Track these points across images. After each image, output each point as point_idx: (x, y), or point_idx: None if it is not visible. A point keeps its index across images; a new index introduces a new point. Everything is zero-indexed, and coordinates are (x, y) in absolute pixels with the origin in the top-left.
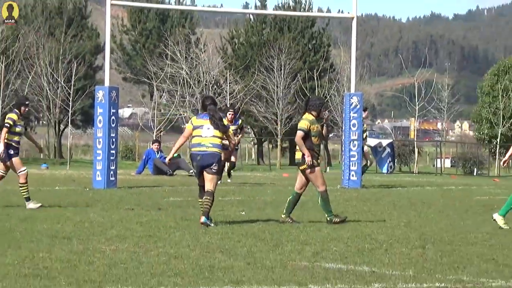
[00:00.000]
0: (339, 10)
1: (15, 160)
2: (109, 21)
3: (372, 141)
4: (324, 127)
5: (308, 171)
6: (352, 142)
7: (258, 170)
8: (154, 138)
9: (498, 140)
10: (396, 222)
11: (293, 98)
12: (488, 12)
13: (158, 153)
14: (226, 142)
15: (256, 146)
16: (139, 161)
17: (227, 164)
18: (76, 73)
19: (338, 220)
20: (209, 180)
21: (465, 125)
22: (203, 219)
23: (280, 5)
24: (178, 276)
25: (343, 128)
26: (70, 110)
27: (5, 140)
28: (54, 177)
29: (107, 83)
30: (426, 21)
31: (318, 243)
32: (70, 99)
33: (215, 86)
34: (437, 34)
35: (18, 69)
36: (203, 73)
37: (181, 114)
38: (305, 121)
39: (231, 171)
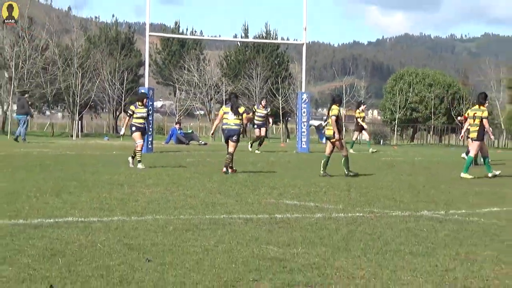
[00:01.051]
0: (294, 39)
1: (135, 134)
2: (148, 46)
3: (316, 122)
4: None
5: (337, 143)
6: (302, 123)
7: (244, 141)
8: (177, 120)
9: (396, 122)
10: (331, 174)
11: (265, 95)
12: (390, 40)
13: (179, 130)
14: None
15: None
16: (167, 135)
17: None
18: (127, 79)
19: (352, 174)
20: (231, 146)
21: (375, 112)
22: (224, 169)
23: (257, 35)
24: (191, 209)
25: (297, 113)
26: (122, 102)
27: (131, 122)
28: (113, 146)
29: (146, 85)
30: (350, 45)
31: (281, 188)
32: (123, 96)
33: (215, 88)
34: (357, 54)
35: (89, 76)
36: (208, 79)
37: (193, 105)
38: (336, 110)
39: (259, 144)
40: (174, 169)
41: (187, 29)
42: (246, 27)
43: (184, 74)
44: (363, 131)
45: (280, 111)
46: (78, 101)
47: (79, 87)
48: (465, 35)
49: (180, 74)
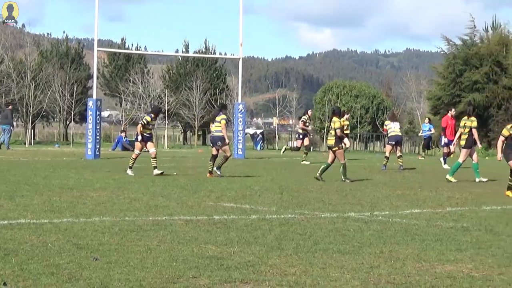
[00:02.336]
0: (231, 54)
1: (141, 143)
2: (96, 60)
3: (251, 131)
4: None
5: (337, 152)
6: (239, 131)
7: (184, 148)
8: (122, 129)
9: (325, 130)
10: (265, 178)
11: (205, 105)
12: (319, 54)
13: (124, 138)
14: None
15: (183, 134)
16: (113, 143)
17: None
18: (76, 90)
19: (349, 181)
20: (215, 150)
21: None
22: (218, 172)
23: (197, 50)
24: (136, 211)
25: (234, 122)
26: (72, 112)
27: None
28: (63, 152)
29: (94, 96)
30: (283, 60)
31: (219, 191)
32: (72, 106)
33: (158, 99)
34: (289, 67)
35: (42, 88)
36: (151, 90)
37: (138, 115)
38: (338, 122)
39: (304, 154)
40: (120, 174)
41: (132, 45)
42: (186, 43)
43: (130, 86)
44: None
45: None
46: (31, 111)
47: (32, 98)
48: (388, 50)
49: (125, 86)
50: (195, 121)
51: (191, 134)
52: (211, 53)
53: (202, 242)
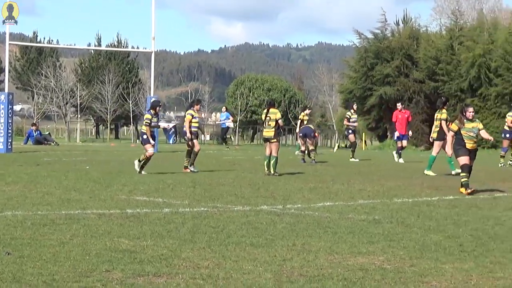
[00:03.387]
0: (144, 47)
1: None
2: (8, 53)
3: (164, 124)
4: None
5: (275, 143)
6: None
7: (97, 142)
8: (33, 122)
9: (237, 123)
10: (178, 172)
11: (117, 99)
12: (231, 48)
13: (35, 132)
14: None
15: (95, 128)
16: (24, 137)
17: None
18: None
19: (278, 174)
20: (188, 145)
21: (218, 115)
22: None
23: (109, 44)
24: (48, 205)
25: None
26: None
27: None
28: None
29: (6, 90)
30: (195, 53)
31: (132, 185)
32: None
33: (71, 92)
34: (201, 61)
35: None
36: (63, 84)
37: (50, 109)
38: (279, 113)
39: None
40: (32, 168)
41: (44, 38)
42: (99, 37)
43: (42, 80)
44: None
45: (131, 114)
46: None
47: None
48: (300, 44)
49: (38, 80)
50: (107, 114)
51: (103, 128)
52: (123, 46)
53: (115, 236)
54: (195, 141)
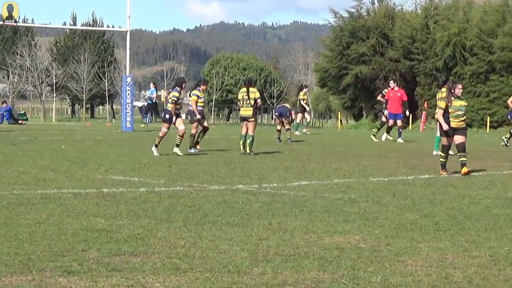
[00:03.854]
0: (119, 26)
1: (179, 120)
2: None
3: (139, 104)
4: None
5: (253, 122)
6: (127, 104)
7: (72, 121)
8: (3, 101)
9: (213, 103)
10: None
11: (93, 78)
12: (207, 27)
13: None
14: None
15: (71, 107)
16: None
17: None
18: None
19: (253, 154)
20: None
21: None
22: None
23: (84, 23)
24: (24, 185)
25: (122, 95)
26: None
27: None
28: None
29: None
30: (171, 32)
31: (108, 164)
32: None
33: (46, 72)
34: (177, 40)
35: None
36: (39, 63)
37: (25, 88)
38: (258, 92)
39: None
40: (8, 148)
41: (19, 17)
42: (74, 15)
43: (17, 59)
44: (305, 113)
45: (106, 93)
46: None
47: None
48: (276, 23)
49: (13, 59)
50: (83, 94)
51: (79, 107)
52: (98, 25)
53: (91, 215)
54: (194, 123)
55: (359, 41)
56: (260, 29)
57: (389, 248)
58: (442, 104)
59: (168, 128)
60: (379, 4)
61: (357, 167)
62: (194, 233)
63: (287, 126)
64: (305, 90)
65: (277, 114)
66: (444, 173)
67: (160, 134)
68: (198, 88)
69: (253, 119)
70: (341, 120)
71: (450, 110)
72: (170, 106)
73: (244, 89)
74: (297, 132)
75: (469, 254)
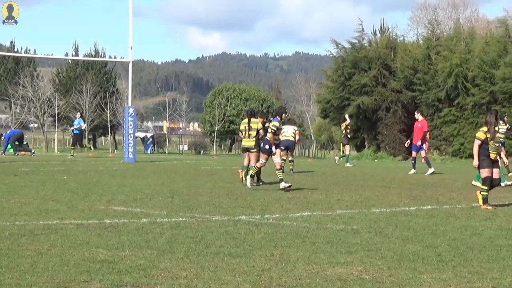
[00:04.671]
0: (121, 57)
1: (277, 151)
2: None
3: (141, 134)
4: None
5: (255, 153)
6: (129, 135)
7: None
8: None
9: (215, 133)
10: (156, 182)
11: (95, 109)
12: (209, 58)
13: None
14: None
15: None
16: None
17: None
18: None
19: (255, 184)
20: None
21: (196, 125)
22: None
23: (87, 53)
24: (26, 215)
25: (124, 126)
26: None
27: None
28: None
29: None
30: (173, 63)
31: (110, 195)
32: None
33: (48, 102)
34: (179, 71)
35: None
36: (41, 94)
37: (28, 119)
38: (260, 123)
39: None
40: (10, 178)
41: (21, 48)
42: (76, 46)
43: (19, 90)
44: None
45: (108, 124)
46: None
47: None
48: (278, 54)
49: (15, 90)
50: (85, 124)
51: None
52: (100, 56)
53: (93, 246)
54: (277, 151)
55: (361, 72)
56: (262, 60)
57: (392, 279)
58: (481, 135)
59: (267, 160)
60: (381, 35)
61: (360, 198)
62: (196, 264)
63: (290, 158)
64: (348, 121)
65: (282, 148)
66: (489, 207)
67: (258, 165)
68: (276, 118)
69: (255, 150)
70: (343, 151)
71: (490, 142)
72: (269, 136)
73: (246, 120)
74: (348, 164)
75: (471, 285)
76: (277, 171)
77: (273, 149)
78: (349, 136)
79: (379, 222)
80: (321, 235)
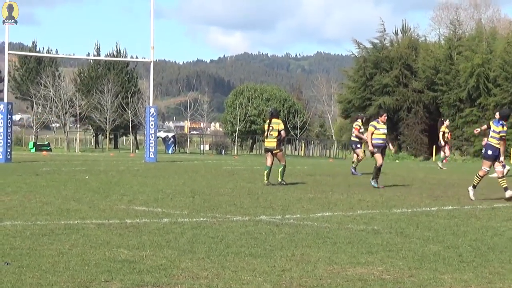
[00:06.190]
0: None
1: (378, 154)
2: (7, 63)
3: (162, 134)
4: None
5: (279, 153)
6: (150, 135)
7: (96, 152)
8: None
9: (236, 133)
10: (177, 182)
11: (116, 109)
12: (230, 58)
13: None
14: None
15: (94, 137)
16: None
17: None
18: None
19: (284, 183)
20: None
21: (217, 125)
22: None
23: (108, 53)
24: (48, 215)
25: (145, 126)
26: None
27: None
28: None
29: (5, 100)
30: (194, 63)
31: (131, 195)
32: None
33: (70, 102)
34: (200, 71)
35: None
36: (63, 94)
37: (49, 118)
38: (282, 123)
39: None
40: (31, 178)
41: (43, 48)
42: (98, 46)
43: (41, 90)
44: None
45: (130, 123)
46: None
47: None
48: (299, 54)
49: (37, 90)
50: (106, 124)
51: (102, 137)
52: (122, 56)
53: (114, 246)
54: (377, 154)
55: (382, 72)
56: (283, 60)
57: (413, 280)
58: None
59: (490, 167)
60: (403, 35)
61: (380, 198)
62: (217, 264)
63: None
64: (446, 123)
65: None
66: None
67: (480, 173)
68: (377, 119)
69: (278, 150)
70: (364, 151)
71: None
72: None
73: (268, 120)
74: (440, 165)
75: (492, 286)
76: (499, 180)
77: (370, 148)
78: (446, 141)
79: (400, 223)
80: (342, 235)
